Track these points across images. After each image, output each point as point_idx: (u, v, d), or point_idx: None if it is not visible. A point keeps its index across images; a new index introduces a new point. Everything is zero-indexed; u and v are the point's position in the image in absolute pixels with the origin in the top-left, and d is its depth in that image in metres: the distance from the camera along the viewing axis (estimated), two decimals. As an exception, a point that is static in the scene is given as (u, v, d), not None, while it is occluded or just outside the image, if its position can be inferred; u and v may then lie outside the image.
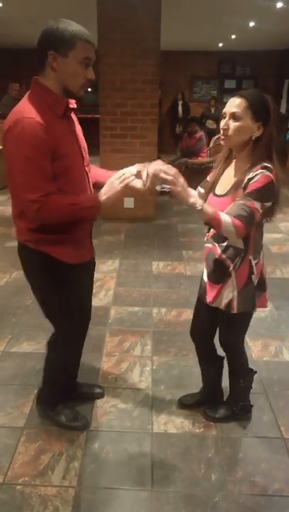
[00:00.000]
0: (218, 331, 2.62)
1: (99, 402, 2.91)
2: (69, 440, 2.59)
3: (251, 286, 2.33)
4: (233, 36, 10.29)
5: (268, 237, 6.05)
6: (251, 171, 2.08)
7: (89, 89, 10.80)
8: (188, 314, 3.95)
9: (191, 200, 1.96)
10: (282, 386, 3.09)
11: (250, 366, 2.79)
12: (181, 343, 3.54)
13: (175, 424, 2.74)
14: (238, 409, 2.74)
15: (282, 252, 5.67)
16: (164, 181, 1.95)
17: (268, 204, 2.10)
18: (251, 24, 8.50)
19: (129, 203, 6.69)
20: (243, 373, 2.69)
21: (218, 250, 2.31)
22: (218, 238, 2.28)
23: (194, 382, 3.06)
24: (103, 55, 6.27)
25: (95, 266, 2.58)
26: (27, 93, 2.07)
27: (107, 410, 2.83)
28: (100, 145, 6.72)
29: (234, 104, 2.09)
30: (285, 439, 2.64)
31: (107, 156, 6.66)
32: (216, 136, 10.10)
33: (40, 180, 1.97)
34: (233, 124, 2.09)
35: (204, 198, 2.30)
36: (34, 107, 1.96)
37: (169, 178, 1.93)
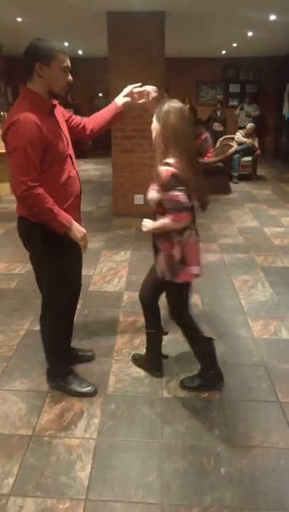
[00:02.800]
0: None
1: (114, 371, 3.24)
2: (89, 402, 2.92)
3: (172, 260, 2.70)
4: (235, 44, 10.63)
5: (270, 230, 6.42)
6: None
7: (100, 95, 11.25)
8: (195, 298, 4.27)
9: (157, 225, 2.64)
10: (280, 360, 3.39)
11: (251, 344, 3.10)
12: (188, 324, 3.86)
13: (183, 390, 3.06)
14: (209, 378, 3.06)
15: (284, 244, 5.98)
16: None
17: (182, 187, 2.50)
18: (249, 34, 8.85)
19: (139, 199, 7.06)
20: (197, 341, 3.01)
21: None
22: (152, 218, 2.72)
23: (200, 357, 3.39)
24: (113, 63, 6.66)
25: None
26: (18, 98, 2.56)
27: (122, 378, 3.17)
28: (112, 146, 7.10)
29: None
30: (282, 402, 2.94)
31: (118, 156, 7.05)
32: (223, 137, 10.44)
33: (30, 168, 2.42)
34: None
35: None
36: (26, 109, 2.43)
37: None
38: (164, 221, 2.57)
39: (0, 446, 2.58)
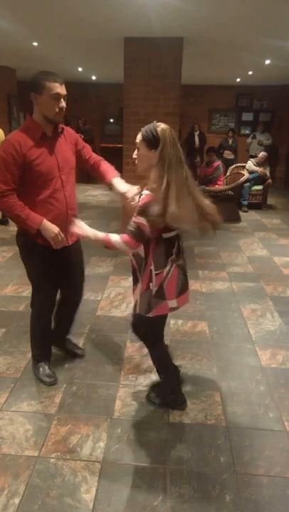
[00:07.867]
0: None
1: (120, 395, 3.26)
2: (95, 425, 2.94)
3: (149, 293, 2.70)
4: (250, 72, 10.72)
5: (280, 260, 6.44)
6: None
7: (111, 120, 11.47)
8: (202, 326, 4.31)
9: (91, 234, 2.64)
10: (288, 389, 3.39)
11: (259, 372, 3.09)
12: (196, 349, 3.88)
13: (189, 416, 3.06)
14: (170, 401, 3.14)
15: (293, 274, 6.00)
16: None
17: (152, 218, 2.41)
18: (267, 62, 8.91)
19: (148, 226, 7.08)
20: (161, 370, 3.09)
21: (132, 259, 2.75)
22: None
23: (207, 383, 3.41)
24: (128, 90, 6.77)
25: (75, 251, 3.31)
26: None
27: (129, 403, 3.18)
28: (123, 172, 7.15)
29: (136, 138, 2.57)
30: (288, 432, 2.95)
31: (130, 182, 7.02)
32: (233, 166, 10.54)
33: (1, 181, 2.80)
34: (135, 153, 2.58)
35: None
36: (17, 132, 2.87)
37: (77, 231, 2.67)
38: (116, 238, 2.55)
39: (7, 466, 2.60)
